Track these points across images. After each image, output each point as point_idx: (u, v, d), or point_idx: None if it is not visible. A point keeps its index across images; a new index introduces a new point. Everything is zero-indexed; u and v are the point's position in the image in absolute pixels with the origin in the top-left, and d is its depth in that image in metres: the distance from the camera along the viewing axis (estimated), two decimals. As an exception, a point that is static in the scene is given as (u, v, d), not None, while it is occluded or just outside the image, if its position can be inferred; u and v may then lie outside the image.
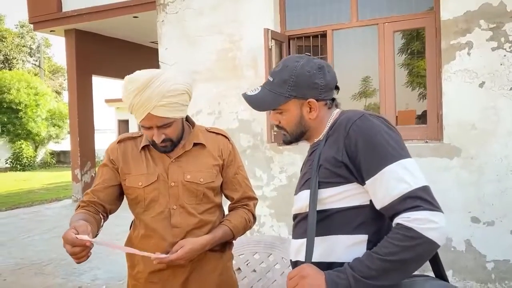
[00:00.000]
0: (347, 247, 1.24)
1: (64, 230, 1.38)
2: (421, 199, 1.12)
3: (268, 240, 2.30)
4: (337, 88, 1.39)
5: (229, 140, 1.80)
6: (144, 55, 9.91)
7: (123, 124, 20.47)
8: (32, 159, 19.26)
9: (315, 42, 4.54)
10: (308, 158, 1.40)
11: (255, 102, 1.38)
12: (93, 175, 8.94)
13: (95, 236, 1.55)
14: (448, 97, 3.70)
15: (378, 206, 1.19)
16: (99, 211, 1.65)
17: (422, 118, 4.68)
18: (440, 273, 1.28)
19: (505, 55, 3.52)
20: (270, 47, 4.20)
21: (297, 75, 1.31)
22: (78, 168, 8.72)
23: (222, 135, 1.79)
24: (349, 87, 6.41)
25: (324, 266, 1.21)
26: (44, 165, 20.32)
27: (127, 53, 9.71)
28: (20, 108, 18.68)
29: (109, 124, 21.75)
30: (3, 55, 28.02)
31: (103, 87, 16.34)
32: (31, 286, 4.26)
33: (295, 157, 4.25)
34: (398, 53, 5.89)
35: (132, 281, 1.73)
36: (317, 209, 1.26)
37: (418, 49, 5.75)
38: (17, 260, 5.06)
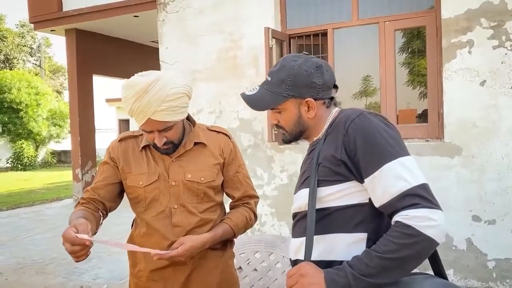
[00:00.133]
0: (346, 245, 1.24)
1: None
2: (419, 196, 1.11)
3: (269, 239, 2.30)
4: (335, 87, 1.39)
5: (230, 138, 1.79)
6: (144, 55, 9.90)
7: (124, 124, 20.48)
8: (33, 158, 19.27)
9: (316, 41, 4.54)
10: (308, 156, 1.40)
11: (253, 101, 1.38)
12: (94, 174, 8.93)
13: (95, 234, 1.55)
14: (449, 95, 3.70)
15: (377, 204, 1.19)
16: (98, 208, 1.65)
17: (422, 117, 4.68)
18: (439, 271, 1.28)
19: (506, 54, 3.51)
20: (270, 46, 4.20)
21: (294, 75, 1.31)
22: (79, 168, 8.71)
23: (223, 133, 1.79)
24: (350, 86, 6.40)
25: (324, 264, 1.21)
26: (45, 165, 20.33)
27: (127, 52, 9.69)
28: (21, 107, 18.69)
29: (109, 123, 21.74)
30: (3, 55, 28.04)
31: (104, 86, 16.33)
32: (32, 285, 4.27)
33: (296, 156, 4.24)
34: (398, 52, 5.89)
35: (134, 280, 1.73)
36: (317, 207, 1.26)
37: (419, 48, 5.74)
38: (19, 260, 5.07)
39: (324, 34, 4.45)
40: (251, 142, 4.50)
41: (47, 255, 5.17)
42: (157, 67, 4.97)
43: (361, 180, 1.21)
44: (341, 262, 1.18)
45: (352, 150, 1.21)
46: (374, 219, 1.24)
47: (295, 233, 1.38)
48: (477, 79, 3.60)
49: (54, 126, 20.66)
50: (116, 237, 5.30)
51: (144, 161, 1.67)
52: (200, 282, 1.67)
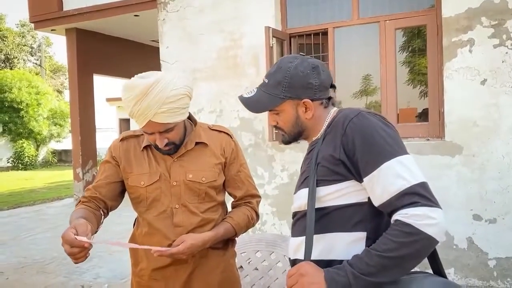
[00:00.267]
0: (346, 244, 1.24)
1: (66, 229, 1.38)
2: (419, 195, 1.11)
3: (270, 238, 2.30)
4: (333, 86, 1.39)
5: (231, 137, 1.79)
6: (145, 54, 9.89)
7: (124, 123, 20.49)
8: (33, 158, 19.29)
9: (316, 40, 4.54)
10: (307, 156, 1.40)
11: (251, 104, 1.39)
12: (95, 174, 8.94)
13: (95, 233, 1.56)
14: (450, 94, 3.69)
15: (376, 203, 1.19)
16: (100, 207, 1.65)
17: (422, 116, 4.68)
18: (438, 270, 1.29)
19: (506, 52, 3.51)
20: (271, 45, 4.20)
21: (291, 76, 1.31)
22: (79, 167, 8.72)
23: (224, 132, 1.78)
24: (350, 85, 6.39)
25: (324, 264, 1.21)
26: (46, 164, 20.35)
27: (128, 52, 9.69)
28: (21, 107, 18.70)
29: (110, 123, 21.75)
30: (4, 55, 28.04)
31: (104, 86, 16.33)
32: (33, 284, 4.27)
33: (297, 155, 4.24)
34: (399, 51, 5.87)
35: (136, 278, 1.74)
36: (316, 207, 1.26)
37: (419, 47, 5.73)
38: (20, 259, 5.07)
39: (325, 33, 4.45)
40: (251, 141, 4.50)
41: (48, 254, 5.17)
42: (157, 66, 4.98)
43: (360, 180, 1.21)
44: (340, 261, 1.18)
45: (351, 149, 1.21)
46: (373, 218, 1.24)
47: (295, 233, 1.38)
48: (477, 78, 3.60)
49: (55, 125, 20.67)
50: (117, 236, 5.30)
51: (146, 161, 1.67)
52: (201, 281, 1.68)
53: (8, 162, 18.91)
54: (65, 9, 8.00)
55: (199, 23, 4.76)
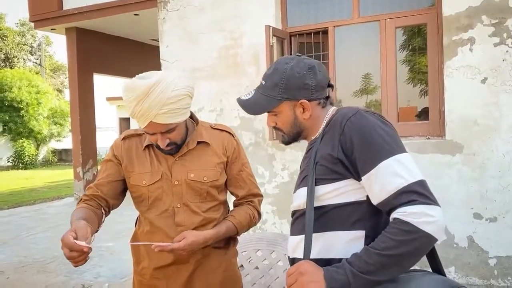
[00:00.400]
0: (345, 243, 1.25)
1: (67, 228, 1.37)
2: (417, 193, 1.12)
3: (271, 237, 2.30)
4: (330, 86, 1.40)
5: (233, 136, 1.79)
6: (145, 53, 9.89)
7: (125, 122, 20.50)
8: (33, 157, 19.29)
9: (317, 39, 4.53)
10: (306, 155, 1.41)
11: (249, 106, 1.40)
12: (95, 173, 8.95)
13: (96, 232, 1.56)
14: (450, 93, 3.69)
15: (374, 201, 1.20)
16: (101, 205, 1.64)
17: (422, 114, 4.67)
18: (437, 268, 1.29)
19: (507, 51, 3.51)
20: (271, 44, 4.20)
21: (287, 77, 1.32)
22: (80, 166, 8.73)
23: (226, 131, 1.78)
24: (350, 84, 6.38)
25: (322, 262, 1.22)
26: (46, 163, 20.35)
27: (128, 51, 9.69)
28: (21, 106, 18.69)
29: (110, 122, 21.75)
30: (4, 54, 28.02)
31: (105, 85, 16.33)
32: (34, 283, 4.27)
33: (297, 154, 4.24)
34: (399, 50, 5.87)
35: (138, 277, 1.74)
36: (315, 205, 1.26)
37: (420, 45, 5.72)
38: (20, 258, 5.07)
39: (325, 32, 4.45)
40: (252, 140, 4.50)
41: (48, 253, 5.17)
42: (157, 65, 4.97)
43: (358, 178, 1.22)
44: (339, 260, 1.19)
45: (349, 148, 1.21)
46: (372, 217, 1.24)
47: (294, 231, 1.38)
48: (478, 77, 3.59)
49: (55, 124, 20.67)
50: (118, 235, 5.30)
51: (148, 160, 1.67)
52: (203, 280, 1.68)
53: (8, 161, 18.91)
54: (65, 8, 8.00)
55: (199, 22, 4.75)
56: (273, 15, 4.42)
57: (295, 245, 1.35)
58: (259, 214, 1.81)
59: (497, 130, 3.55)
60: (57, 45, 53.41)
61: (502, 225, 3.54)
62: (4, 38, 27.98)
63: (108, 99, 19.90)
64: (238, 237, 1.81)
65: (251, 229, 1.84)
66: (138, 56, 9.77)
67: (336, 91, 4.44)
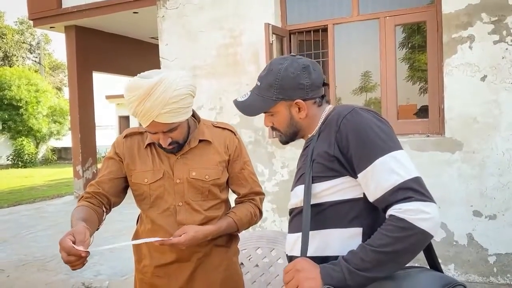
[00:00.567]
0: (342, 240, 1.25)
1: (67, 226, 1.37)
2: (412, 190, 1.12)
3: (271, 235, 2.31)
4: (325, 85, 1.40)
5: (235, 135, 1.79)
6: (144, 51, 9.88)
7: (124, 120, 20.48)
8: (33, 155, 19.29)
9: (316, 37, 4.53)
10: (303, 153, 1.42)
11: (245, 107, 1.40)
12: (95, 171, 8.95)
13: (97, 229, 1.56)
14: (450, 91, 3.69)
15: (371, 198, 1.20)
16: (102, 203, 1.64)
17: (422, 112, 4.68)
18: (434, 264, 1.30)
19: (507, 49, 3.50)
20: (271, 42, 4.19)
21: (281, 78, 1.33)
22: (79, 165, 8.73)
23: (228, 129, 1.78)
24: (350, 82, 6.39)
25: (319, 260, 1.22)
26: (46, 162, 20.36)
27: (127, 49, 9.69)
28: (21, 105, 18.69)
29: (110, 120, 21.75)
30: (3, 52, 27.99)
31: (104, 83, 16.31)
32: (34, 282, 4.28)
33: (297, 152, 4.22)
34: (399, 47, 5.87)
35: (139, 275, 1.74)
36: (312, 203, 1.27)
37: (419, 43, 5.72)
38: (20, 257, 5.08)
39: (325, 29, 4.44)
40: (251, 138, 4.50)
41: (48, 252, 5.17)
42: (157, 63, 4.97)
43: (354, 176, 1.22)
44: (336, 258, 1.19)
45: (345, 146, 1.22)
46: (369, 214, 1.25)
47: (291, 229, 1.39)
48: (478, 74, 3.59)
49: (54, 123, 20.67)
50: (119, 234, 5.31)
51: (149, 158, 1.67)
52: (204, 278, 1.68)
53: (8, 159, 18.91)
54: (64, 6, 7.99)
55: (198, 20, 4.75)
56: (272, 13, 4.42)
57: (293, 243, 1.35)
58: (261, 212, 1.81)
59: (497, 128, 3.55)
60: (56, 43, 53.33)
61: (501, 222, 3.55)
62: (3, 36, 27.93)
63: (108, 97, 19.90)
64: (238, 234, 1.82)
65: (251, 227, 1.84)
66: (138, 54, 9.76)
67: (335, 89, 4.44)
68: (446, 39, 3.69)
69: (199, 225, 1.62)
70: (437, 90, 3.89)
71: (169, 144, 1.59)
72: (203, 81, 4.68)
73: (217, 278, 1.70)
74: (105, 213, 1.66)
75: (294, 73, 1.32)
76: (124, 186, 1.72)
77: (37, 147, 20.03)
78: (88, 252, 1.31)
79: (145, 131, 1.70)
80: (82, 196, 1.65)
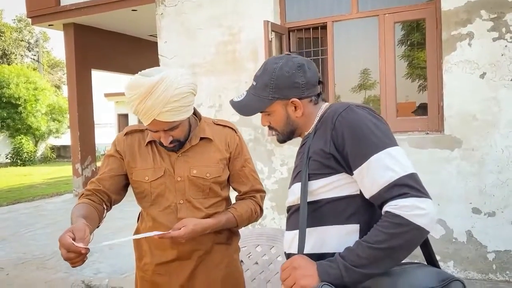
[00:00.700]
0: (339, 237, 1.26)
1: (66, 224, 1.36)
2: (408, 186, 1.13)
3: (270, 232, 2.31)
4: (320, 83, 1.41)
5: (236, 132, 1.79)
6: (143, 48, 9.87)
7: (123, 118, 20.45)
8: (32, 154, 19.26)
9: (315, 34, 4.52)
10: (299, 150, 1.43)
11: (241, 107, 1.41)
12: (94, 169, 8.95)
13: (98, 227, 1.56)
14: (449, 88, 3.69)
15: (367, 195, 1.21)
16: (103, 200, 1.64)
17: (421, 109, 4.68)
18: (431, 260, 1.30)
19: (506, 46, 3.50)
20: (270, 39, 4.19)
21: (277, 77, 1.33)
22: (78, 163, 8.73)
23: (229, 127, 1.78)
24: (349, 79, 6.39)
25: (316, 257, 1.23)
26: (45, 160, 20.33)
27: (126, 46, 9.67)
28: (19, 103, 18.65)
29: (109, 118, 21.72)
30: (1, 50, 27.92)
31: (103, 81, 16.29)
32: (33, 280, 4.28)
33: (296, 150, 4.22)
34: (398, 45, 5.87)
35: (140, 273, 1.74)
36: (308, 200, 1.28)
37: (418, 40, 5.72)
38: (19, 255, 5.08)
39: (324, 27, 4.43)
40: (251, 136, 4.50)
41: (48, 250, 5.17)
42: (156, 61, 4.96)
43: (350, 173, 1.23)
44: (333, 254, 1.20)
45: (340, 143, 1.23)
46: (366, 210, 1.26)
47: (289, 226, 1.40)
48: (477, 72, 3.59)
49: (53, 121, 20.63)
50: (119, 232, 5.31)
51: (150, 156, 1.67)
52: (205, 276, 1.68)
53: (7, 158, 18.89)
54: (62, 4, 7.97)
55: (197, 18, 4.74)
56: (271, 10, 4.41)
57: (290, 240, 1.36)
58: (261, 210, 1.81)
59: (496, 125, 3.55)
60: (55, 41, 53.17)
61: (500, 219, 3.55)
62: (1, 34, 27.87)
63: (107, 95, 19.87)
64: (239, 230, 1.82)
65: (250, 224, 1.84)
66: (136, 52, 9.74)
67: (334, 86, 4.44)
68: (445, 36, 3.68)
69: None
70: (436, 88, 3.89)
71: (170, 142, 1.58)
72: (202, 79, 4.67)
73: (218, 276, 1.70)
74: (105, 211, 1.65)
75: (289, 72, 1.33)
76: (124, 183, 1.71)
77: (36, 145, 20.01)
78: (88, 249, 1.31)
79: (146, 129, 1.69)
80: (83, 193, 1.65)
